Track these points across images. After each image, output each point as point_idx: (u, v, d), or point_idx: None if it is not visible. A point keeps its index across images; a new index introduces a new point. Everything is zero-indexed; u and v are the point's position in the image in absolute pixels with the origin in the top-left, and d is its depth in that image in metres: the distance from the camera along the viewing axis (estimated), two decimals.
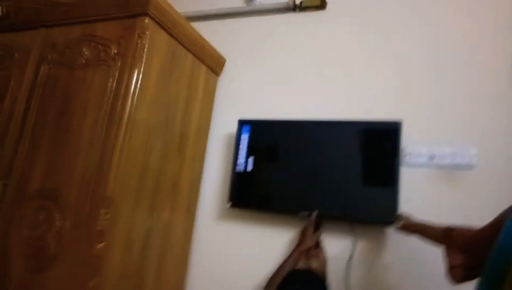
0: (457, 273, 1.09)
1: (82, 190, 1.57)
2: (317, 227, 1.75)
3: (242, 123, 1.97)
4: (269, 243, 1.89)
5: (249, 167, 1.91)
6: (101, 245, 1.53)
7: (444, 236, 1.16)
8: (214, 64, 2.18)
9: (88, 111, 1.66)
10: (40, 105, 1.79)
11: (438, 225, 1.24)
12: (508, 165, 1.52)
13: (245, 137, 1.95)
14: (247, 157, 1.92)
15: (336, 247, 1.74)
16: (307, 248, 1.69)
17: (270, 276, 1.60)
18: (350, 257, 1.70)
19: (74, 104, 1.71)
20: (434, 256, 1.47)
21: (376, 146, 1.70)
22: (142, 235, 1.73)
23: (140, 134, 1.68)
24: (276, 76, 2.12)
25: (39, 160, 1.71)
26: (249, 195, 1.93)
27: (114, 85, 1.64)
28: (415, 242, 1.57)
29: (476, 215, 1.50)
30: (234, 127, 2.02)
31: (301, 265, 1.68)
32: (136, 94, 1.64)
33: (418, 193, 1.63)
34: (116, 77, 1.64)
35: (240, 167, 1.92)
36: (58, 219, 1.60)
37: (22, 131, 1.78)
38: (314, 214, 1.72)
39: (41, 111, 1.78)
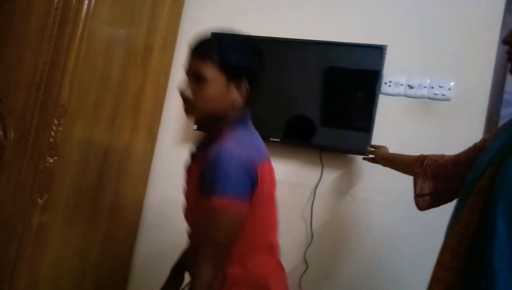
0: (424, 201, 1.12)
1: (30, 96, 1.35)
2: None
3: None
4: None
5: None
6: (52, 159, 1.36)
7: (416, 163, 1.16)
8: None
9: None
10: None
11: (410, 155, 1.24)
12: (483, 98, 1.52)
13: None
14: None
15: (304, 174, 1.71)
16: None
17: None
18: (317, 185, 1.68)
19: None
20: (399, 186, 1.49)
21: (357, 71, 1.62)
22: (100, 154, 1.57)
23: (100, 39, 1.45)
24: None
25: None
26: None
27: None
28: (382, 173, 1.58)
29: (449, 145, 1.51)
30: None
31: None
32: None
33: (394, 121, 1.61)
34: None
35: None
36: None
37: None
38: None
39: None
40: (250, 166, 0.92)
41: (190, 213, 1.04)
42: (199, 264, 0.91)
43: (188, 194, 1.04)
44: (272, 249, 1.07)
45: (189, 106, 0.98)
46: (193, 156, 1.06)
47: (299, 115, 1.72)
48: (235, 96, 0.99)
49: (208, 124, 1.02)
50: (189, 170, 1.05)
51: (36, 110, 1.34)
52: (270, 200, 1.03)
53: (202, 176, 0.92)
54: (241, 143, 0.95)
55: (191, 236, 1.07)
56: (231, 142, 0.93)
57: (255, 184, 0.93)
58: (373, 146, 1.50)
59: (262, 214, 1.00)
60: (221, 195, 0.88)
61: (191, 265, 1.08)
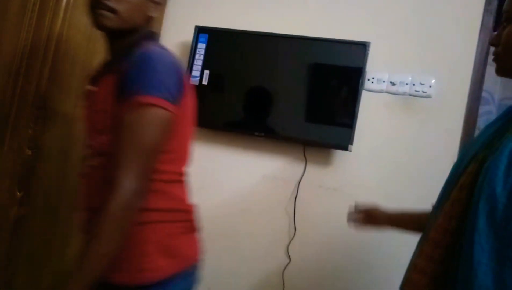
0: None
1: (8, 87, 1.31)
2: None
3: (199, 30, 1.77)
4: (218, 162, 1.81)
5: (205, 81, 1.75)
6: (32, 151, 1.32)
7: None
8: None
9: None
10: None
11: (418, 211, 1.04)
12: (462, 96, 1.56)
13: (202, 47, 1.76)
14: (203, 69, 1.75)
15: (288, 169, 1.72)
16: None
17: None
18: (300, 179, 1.69)
19: None
20: (382, 180, 1.51)
21: (341, 67, 1.63)
22: (81, 146, 1.53)
23: (81, 30, 1.42)
24: None
25: None
26: (201, 111, 1.79)
27: None
28: (364, 168, 1.61)
29: (429, 141, 1.56)
30: (188, 35, 1.80)
31: None
32: None
33: (376, 117, 1.64)
34: None
35: (194, 80, 1.75)
36: None
37: None
38: None
39: None
40: (179, 70, 0.85)
41: (96, 139, 0.90)
42: (117, 176, 0.75)
43: (92, 118, 0.92)
44: (184, 178, 0.98)
45: (108, 10, 0.86)
46: (95, 79, 0.94)
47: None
48: (154, 11, 0.93)
49: (118, 36, 0.91)
50: (90, 94, 0.94)
51: (14, 101, 1.30)
52: (190, 122, 0.94)
53: (125, 78, 0.81)
54: (166, 51, 0.88)
55: (95, 167, 0.91)
56: (156, 47, 0.86)
57: (182, 91, 0.85)
58: (365, 210, 1.17)
59: (182, 135, 0.91)
60: (150, 92, 0.78)
61: (90, 202, 0.92)
